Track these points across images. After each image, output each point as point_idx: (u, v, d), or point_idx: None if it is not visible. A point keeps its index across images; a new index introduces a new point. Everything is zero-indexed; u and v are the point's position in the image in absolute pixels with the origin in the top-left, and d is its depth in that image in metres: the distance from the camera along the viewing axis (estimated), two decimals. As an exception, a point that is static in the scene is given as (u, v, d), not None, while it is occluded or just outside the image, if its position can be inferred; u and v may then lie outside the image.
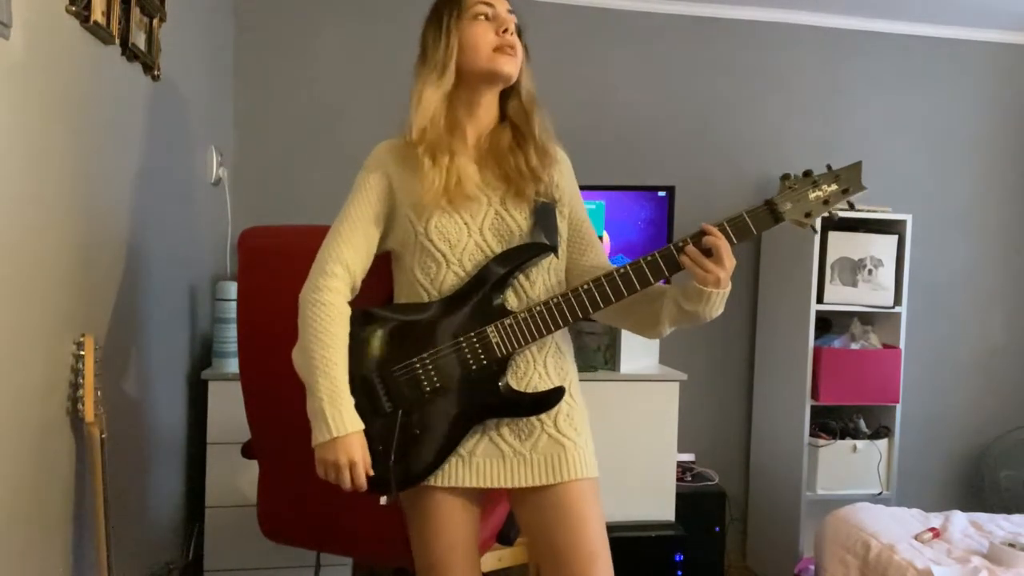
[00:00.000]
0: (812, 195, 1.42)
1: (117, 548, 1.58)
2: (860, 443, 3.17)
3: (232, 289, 2.44)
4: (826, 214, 1.44)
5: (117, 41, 1.73)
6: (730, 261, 1.38)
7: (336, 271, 1.45)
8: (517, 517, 1.58)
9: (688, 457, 3.34)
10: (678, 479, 3.00)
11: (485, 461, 1.48)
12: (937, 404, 3.66)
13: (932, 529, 2.55)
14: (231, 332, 2.50)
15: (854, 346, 3.18)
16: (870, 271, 3.14)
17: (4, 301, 1.28)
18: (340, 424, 1.37)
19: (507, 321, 1.43)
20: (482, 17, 1.45)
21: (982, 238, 3.68)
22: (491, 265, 1.45)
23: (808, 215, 1.43)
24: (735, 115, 3.47)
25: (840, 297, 3.15)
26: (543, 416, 1.48)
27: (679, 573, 2.87)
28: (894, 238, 3.17)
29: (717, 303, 1.40)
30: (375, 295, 1.57)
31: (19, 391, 1.35)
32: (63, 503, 1.54)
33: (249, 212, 3.00)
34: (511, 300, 1.48)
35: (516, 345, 1.43)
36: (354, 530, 1.84)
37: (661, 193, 3.04)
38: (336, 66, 3.18)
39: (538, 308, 1.43)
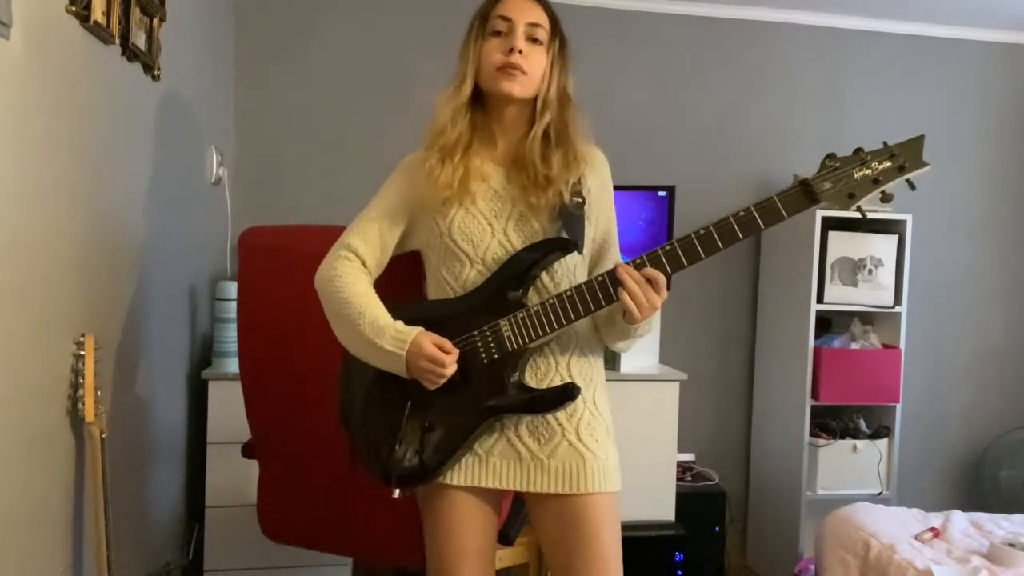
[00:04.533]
0: (859, 174, 1.26)
1: (117, 548, 1.58)
2: (860, 443, 3.17)
3: (232, 289, 2.44)
4: (877, 194, 1.28)
5: (117, 41, 1.73)
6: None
7: (344, 254, 1.49)
8: (532, 520, 1.56)
9: (688, 457, 3.34)
10: (678, 479, 3.00)
11: (502, 462, 1.46)
12: (937, 404, 3.65)
13: (932, 529, 2.55)
14: (231, 332, 2.50)
15: (854, 346, 3.18)
16: (870, 271, 3.14)
17: (4, 301, 1.28)
18: (400, 342, 1.39)
19: (520, 314, 1.39)
20: (498, 33, 1.45)
21: (982, 238, 3.67)
22: (512, 259, 1.43)
23: (852, 196, 1.26)
24: (735, 115, 3.47)
25: (840, 297, 3.15)
26: (564, 422, 1.45)
27: (679, 573, 2.87)
28: (894, 238, 3.16)
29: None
30: (408, 295, 1.59)
31: (19, 391, 1.34)
32: (63, 503, 1.54)
33: (249, 212, 3.00)
34: (533, 298, 1.45)
35: (528, 339, 1.39)
36: (354, 530, 1.84)
37: (661, 193, 3.04)
38: (336, 66, 3.17)
39: (551, 301, 1.38)
